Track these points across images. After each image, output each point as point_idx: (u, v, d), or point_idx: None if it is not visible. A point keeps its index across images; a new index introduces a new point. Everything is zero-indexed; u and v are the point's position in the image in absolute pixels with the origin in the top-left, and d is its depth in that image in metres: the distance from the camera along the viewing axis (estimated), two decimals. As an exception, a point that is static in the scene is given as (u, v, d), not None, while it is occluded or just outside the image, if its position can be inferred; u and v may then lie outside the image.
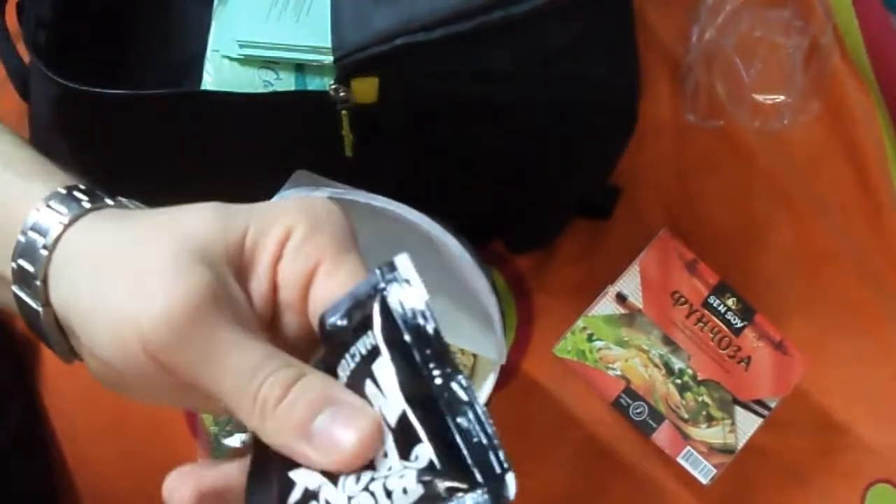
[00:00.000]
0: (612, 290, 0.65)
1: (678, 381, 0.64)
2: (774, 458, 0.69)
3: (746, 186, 0.74)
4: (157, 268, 0.30)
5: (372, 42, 0.48)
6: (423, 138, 0.55)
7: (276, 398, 0.29)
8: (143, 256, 0.31)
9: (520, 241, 0.70)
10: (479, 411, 0.28)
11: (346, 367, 0.31)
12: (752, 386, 0.64)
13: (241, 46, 0.51)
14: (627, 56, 0.55)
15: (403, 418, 0.28)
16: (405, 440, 0.28)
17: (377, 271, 0.31)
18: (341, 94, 0.49)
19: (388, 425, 0.29)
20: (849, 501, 0.69)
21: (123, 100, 0.50)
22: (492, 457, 0.27)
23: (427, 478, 0.27)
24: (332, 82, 0.49)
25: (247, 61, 0.52)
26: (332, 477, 0.29)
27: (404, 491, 0.27)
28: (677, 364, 0.64)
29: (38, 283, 0.32)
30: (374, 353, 0.30)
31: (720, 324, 0.65)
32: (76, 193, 0.33)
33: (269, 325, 0.33)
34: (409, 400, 0.28)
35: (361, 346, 0.30)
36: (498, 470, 0.27)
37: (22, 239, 0.32)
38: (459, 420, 0.28)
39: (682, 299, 0.65)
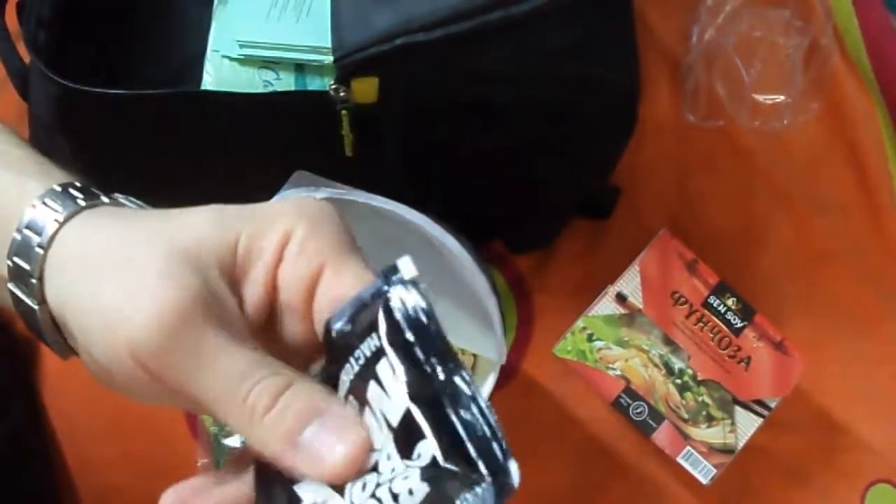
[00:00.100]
0: (612, 290, 0.65)
1: (678, 381, 0.64)
2: (774, 458, 0.69)
3: (746, 186, 0.74)
4: (146, 273, 0.30)
5: (372, 42, 0.48)
6: (423, 138, 0.55)
7: (264, 406, 0.29)
8: (133, 260, 0.31)
9: (520, 241, 0.70)
10: (482, 405, 0.28)
11: (349, 370, 0.31)
12: (752, 386, 0.64)
13: (241, 46, 0.51)
14: (627, 56, 0.55)
15: (407, 416, 0.28)
16: (407, 439, 0.28)
17: (381, 275, 0.31)
18: (341, 94, 0.49)
19: (391, 426, 0.29)
20: (849, 501, 0.69)
21: (123, 100, 0.50)
22: (495, 448, 0.27)
23: (431, 474, 0.27)
24: (332, 82, 0.49)
25: (247, 61, 0.52)
26: (338, 487, 0.29)
27: (410, 492, 0.27)
28: (677, 364, 0.64)
29: (33, 280, 0.32)
30: (378, 354, 0.30)
31: (720, 324, 0.65)
32: (71, 191, 0.33)
33: (262, 330, 0.33)
34: (412, 398, 0.28)
35: (366, 349, 0.30)
36: (501, 460, 0.27)
37: (18, 236, 0.32)
38: (463, 414, 0.28)
39: (682, 299, 0.65)
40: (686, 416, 0.64)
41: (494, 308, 0.54)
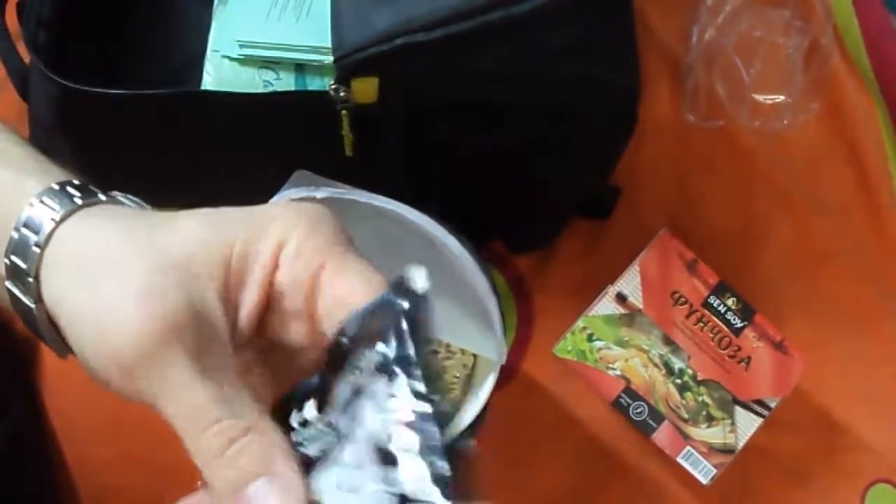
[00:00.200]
0: (612, 290, 0.65)
1: (678, 381, 0.64)
2: (774, 458, 0.69)
3: (746, 186, 0.74)
4: (131, 282, 0.30)
5: (372, 42, 0.48)
6: (423, 138, 0.55)
7: (217, 449, 0.29)
8: (125, 263, 0.30)
9: (520, 241, 0.70)
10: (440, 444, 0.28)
11: (348, 378, 0.31)
12: (752, 386, 0.64)
13: (241, 46, 0.51)
14: (627, 56, 0.55)
15: (393, 438, 0.29)
16: (385, 460, 0.29)
17: (390, 286, 0.31)
18: (341, 94, 0.49)
19: (377, 442, 0.29)
20: (849, 501, 0.69)
21: (123, 100, 0.50)
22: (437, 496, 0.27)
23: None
24: (332, 82, 0.49)
25: (247, 61, 0.52)
26: None
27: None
28: (677, 364, 0.64)
29: (30, 279, 0.32)
30: (381, 368, 0.30)
31: (720, 324, 0.65)
32: (69, 189, 0.33)
33: (259, 335, 0.33)
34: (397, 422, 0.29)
35: (368, 361, 0.30)
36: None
37: (15, 235, 0.32)
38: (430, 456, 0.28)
39: (682, 299, 0.65)
40: (686, 416, 0.64)
41: (494, 308, 0.54)
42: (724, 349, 0.65)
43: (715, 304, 0.65)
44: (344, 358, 0.31)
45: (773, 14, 0.76)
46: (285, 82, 0.52)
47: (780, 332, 0.65)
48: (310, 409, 0.31)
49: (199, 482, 0.31)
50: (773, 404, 0.64)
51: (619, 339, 0.64)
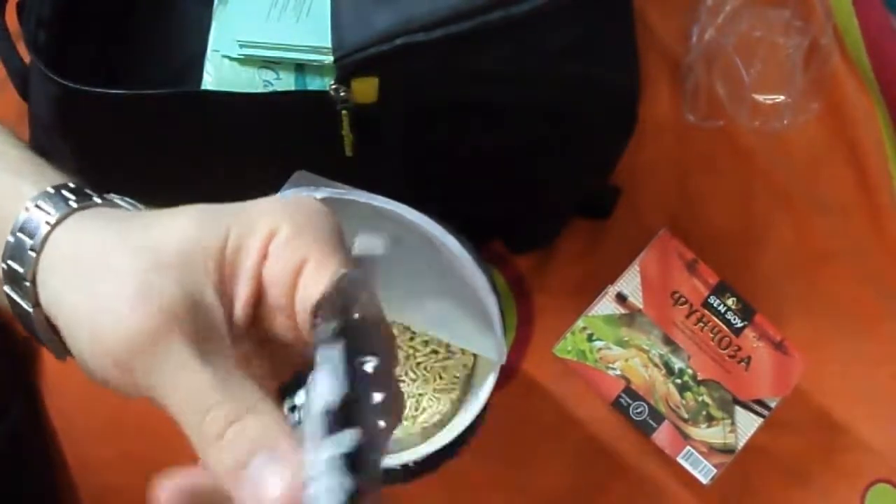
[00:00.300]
0: (612, 290, 0.65)
1: (678, 380, 0.64)
2: (774, 458, 0.69)
3: (746, 186, 0.74)
4: (127, 284, 0.30)
5: (372, 42, 0.48)
6: (423, 138, 0.55)
7: (216, 432, 0.29)
8: (118, 270, 0.31)
9: (520, 241, 0.70)
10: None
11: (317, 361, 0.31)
12: (752, 386, 0.64)
13: (241, 46, 0.51)
14: (627, 56, 0.55)
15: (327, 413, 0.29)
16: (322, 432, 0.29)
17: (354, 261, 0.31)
18: (341, 94, 0.49)
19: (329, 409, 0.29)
20: (849, 501, 0.69)
21: (123, 100, 0.50)
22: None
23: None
24: (332, 82, 0.49)
25: (247, 61, 0.52)
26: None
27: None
28: (677, 364, 0.64)
29: (27, 283, 0.32)
30: (334, 339, 0.30)
31: (720, 324, 0.65)
32: (64, 192, 0.33)
33: (254, 327, 0.33)
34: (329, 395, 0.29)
35: (326, 336, 0.30)
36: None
37: (11, 239, 0.32)
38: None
39: (682, 299, 0.65)
40: (686, 415, 0.64)
41: (494, 308, 0.54)
42: (724, 349, 0.65)
43: (715, 304, 0.65)
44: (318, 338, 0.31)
45: (773, 14, 0.76)
46: (285, 82, 0.52)
47: (780, 332, 0.65)
48: (299, 396, 0.32)
49: (199, 463, 0.31)
50: (773, 404, 0.64)
51: (619, 339, 0.64)
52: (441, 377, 0.61)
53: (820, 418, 0.70)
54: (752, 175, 0.74)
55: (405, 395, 0.56)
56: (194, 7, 0.58)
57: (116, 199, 0.35)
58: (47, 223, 0.32)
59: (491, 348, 0.56)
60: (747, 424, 0.64)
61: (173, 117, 0.52)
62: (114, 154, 0.55)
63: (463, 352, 0.62)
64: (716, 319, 0.65)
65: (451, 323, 0.58)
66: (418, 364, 0.61)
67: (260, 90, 0.52)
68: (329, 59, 0.49)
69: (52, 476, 0.66)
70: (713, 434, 0.63)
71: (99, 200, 0.34)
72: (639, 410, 0.64)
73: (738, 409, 0.64)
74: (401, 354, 0.61)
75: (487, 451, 0.64)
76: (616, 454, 0.68)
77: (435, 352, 0.62)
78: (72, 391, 0.67)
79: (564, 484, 0.68)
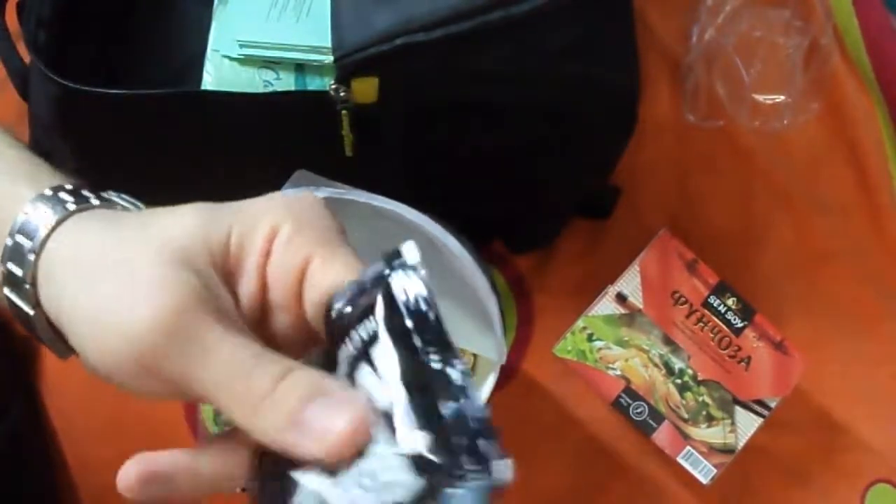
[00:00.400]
0: (612, 290, 0.65)
1: (678, 380, 0.64)
2: (774, 458, 0.69)
3: (746, 186, 0.74)
4: (141, 273, 0.30)
5: (372, 42, 0.48)
6: (423, 138, 0.55)
7: (265, 391, 0.30)
8: (127, 261, 0.31)
9: (520, 241, 0.70)
10: (473, 398, 0.28)
11: (346, 351, 0.31)
12: (752, 386, 0.64)
13: (241, 46, 0.51)
14: (627, 56, 0.55)
15: (398, 404, 0.29)
16: (397, 427, 0.29)
17: (383, 259, 0.31)
18: (341, 94, 0.49)
19: (381, 410, 0.29)
20: (849, 501, 0.69)
21: (123, 100, 0.50)
22: (482, 444, 0.27)
23: (417, 465, 0.27)
24: (332, 82, 0.49)
25: (247, 61, 0.52)
26: (333, 475, 0.29)
27: (396, 483, 0.27)
28: (677, 364, 0.64)
29: (27, 286, 0.32)
30: (374, 338, 0.30)
31: (720, 324, 0.65)
32: (61, 195, 0.33)
33: (258, 324, 0.33)
34: (406, 385, 0.29)
35: (363, 332, 0.30)
36: (489, 456, 0.27)
37: (10, 242, 0.32)
38: (452, 406, 0.28)
39: (682, 299, 0.65)
40: (686, 415, 0.64)
41: (494, 308, 0.54)
42: (724, 349, 0.65)
43: (715, 304, 0.65)
44: (339, 332, 0.31)
45: (773, 14, 0.76)
46: (285, 82, 0.52)
47: (780, 332, 0.65)
48: None
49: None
50: (773, 404, 0.64)
51: (619, 339, 0.64)
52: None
53: (820, 418, 0.70)
54: (752, 175, 0.74)
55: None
56: (194, 7, 0.58)
57: (114, 197, 0.35)
58: (46, 226, 0.32)
59: (491, 348, 0.56)
60: (747, 424, 0.64)
61: (173, 117, 0.52)
62: (114, 154, 0.55)
63: (463, 352, 0.62)
64: (716, 319, 0.65)
65: (450, 323, 0.58)
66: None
67: (260, 90, 0.52)
68: (329, 59, 0.49)
69: (52, 476, 0.66)
70: (713, 434, 0.63)
71: (96, 202, 0.34)
72: (639, 410, 0.64)
73: (738, 409, 0.64)
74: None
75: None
76: (616, 454, 0.68)
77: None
78: (72, 391, 0.67)
79: (564, 484, 0.68)
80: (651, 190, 0.72)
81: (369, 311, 0.30)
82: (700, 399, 0.64)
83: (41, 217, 0.32)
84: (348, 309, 0.31)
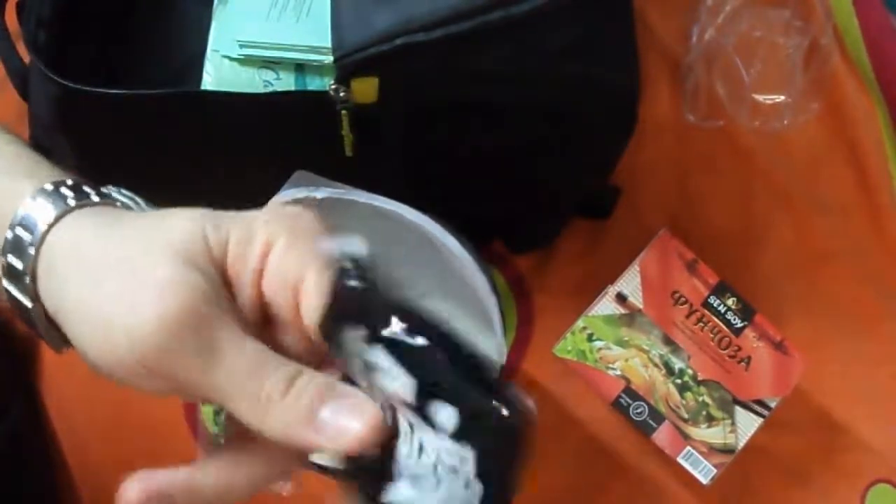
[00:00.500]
0: (612, 290, 0.65)
1: (678, 380, 0.64)
2: (774, 458, 0.69)
3: (746, 186, 0.74)
4: (146, 271, 0.30)
5: (372, 42, 0.48)
6: (423, 138, 0.55)
7: (280, 392, 0.30)
8: (129, 260, 0.31)
9: (520, 241, 0.70)
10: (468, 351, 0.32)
11: (350, 359, 0.32)
12: (752, 386, 0.64)
13: (241, 46, 0.51)
14: (627, 56, 0.55)
15: (422, 391, 0.31)
16: (424, 410, 0.31)
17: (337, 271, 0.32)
18: (341, 94, 0.49)
19: (406, 402, 0.31)
20: (849, 501, 0.69)
21: (123, 100, 0.50)
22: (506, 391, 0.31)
23: (464, 435, 0.30)
24: (332, 82, 0.49)
25: (247, 61, 0.52)
26: (410, 485, 0.31)
27: (462, 460, 0.30)
28: (677, 364, 0.64)
29: (26, 279, 0.32)
30: (371, 340, 0.31)
31: (720, 324, 0.65)
32: (62, 190, 0.33)
33: (262, 339, 0.33)
34: (417, 377, 0.31)
35: (360, 337, 0.31)
36: (507, 395, 0.32)
37: (10, 235, 0.32)
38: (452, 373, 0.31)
39: (682, 299, 0.65)
40: (686, 416, 0.64)
41: (494, 308, 0.54)
42: (724, 349, 0.65)
43: (715, 304, 0.65)
44: (334, 340, 0.32)
45: (773, 14, 0.76)
46: (285, 82, 0.52)
47: (780, 332, 0.65)
48: None
49: (199, 457, 0.32)
50: (773, 404, 0.64)
51: (619, 339, 0.64)
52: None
53: (820, 418, 0.70)
54: (752, 175, 0.74)
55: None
56: (194, 7, 0.58)
57: (114, 192, 0.35)
58: (46, 221, 0.32)
59: (491, 348, 0.56)
60: (747, 424, 0.64)
61: (173, 117, 0.52)
62: (114, 154, 0.55)
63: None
64: (716, 319, 0.65)
65: (451, 323, 0.58)
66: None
67: (260, 90, 0.52)
68: (329, 59, 0.49)
69: (52, 476, 0.66)
70: (713, 434, 0.63)
71: (97, 198, 0.34)
72: (639, 410, 0.64)
73: (738, 409, 0.64)
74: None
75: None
76: (616, 454, 0.68)
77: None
78: (72, 391, 0.67)
79: (564, 484, 0.68)
80: (651, 190, 0.72)
81: (359, 317, 0.31)
82: (700, 399, 0.64)
83: (42, 211, 0.32)
84: (335, 318, 0.32)
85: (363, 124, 0.52)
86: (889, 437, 0.70)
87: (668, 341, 0.64)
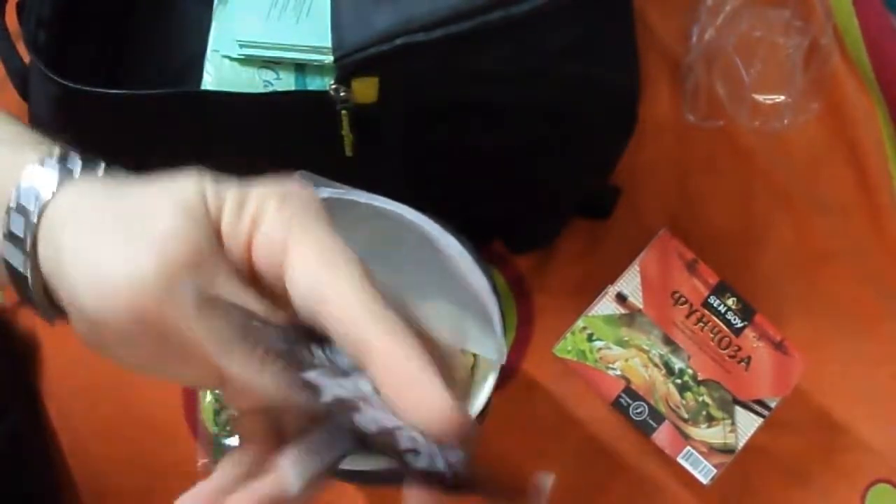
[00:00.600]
0: (612, 290, 0.65)
1: (678, 380, 0.64)
2: (774, 458, 0.69)
3: (746, 186, 0.74)
4: (149, 224, 0.30)
5: (372, 42, 0.48)
6: (423, 138, 0.55)
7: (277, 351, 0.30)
8: (130, 216, 0.31)
9: (520, 241, 0.70)
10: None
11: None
12: (752, 386, 0.64)
13: (241, 46, 0.51)
14: (627, 56, 0.55)
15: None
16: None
17: None
18: (341, 94, 0.49)
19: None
20: (849, 501, 0.69)
21: (123, 100, 0.51)
22: None
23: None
24: (332, 82, 0.49)
25: (247, 61, 0.52)
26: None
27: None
28: (677, 364, 0.64)
29: (27, 245, 0.32)
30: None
31: (720, 324, 0.65)
32: (67, 159, 0.33)
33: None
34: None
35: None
36: None
37: (13, 203, 0.32)
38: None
39: (682, 299, 0.65)
40: (686, 415, 0.64)
41: (494, 308, 0.54)
42: (724, 349, 0.65)
43: (715, 304, 0.65)
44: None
45: (773, 14, 0.76)
46: (285, 82, 0.52)
47: (780, 332, 0.65)
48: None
49: (199, 463, 0.32)
50: (773, 404, 0.64)
51: (619, 339, 0.64)
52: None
53: (820, 418, 0.70)
54: (752, 175, 0.74)
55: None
56: (194, 7, 0.58)
57: (116, 169, 0.36)
58: (49, 188, 0.32)
59: (491, 348, 0.56)
60: (747, 424, 0.64)
61: (173, 117, 0.52)
62: (114, 154, 0.54)
63: (463, 352, 0.62)
64: (716, 319, 0.65)
65: (451, 323, 0.58)
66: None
67: (260, 90, 0.52)
68: (329, 59, 0.49)
69: (52, 476, 0.66)
70: (713, 434, 0.63)
71: (101, 170, 0.34)
72: (639, 410, 0.64)
73: (738, 409, 0.64)
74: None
75: (487, 452, 0.64)
76: (616, 454, 0.68)
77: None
78: (72, 391, 0.67)
79: (564, 484, 0.68)
80: (651, 190, 0.72)
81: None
82: (700, 399, 0.64)
83: (46, 180, 0.32)
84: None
85: (363, 124, 0.52)
86: (889, 437, 0.70)
87: (668, 341, 0.64)
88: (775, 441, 0.68)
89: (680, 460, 0.63)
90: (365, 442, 0.31)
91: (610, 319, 0.64)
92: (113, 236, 0.31)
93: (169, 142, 0.54)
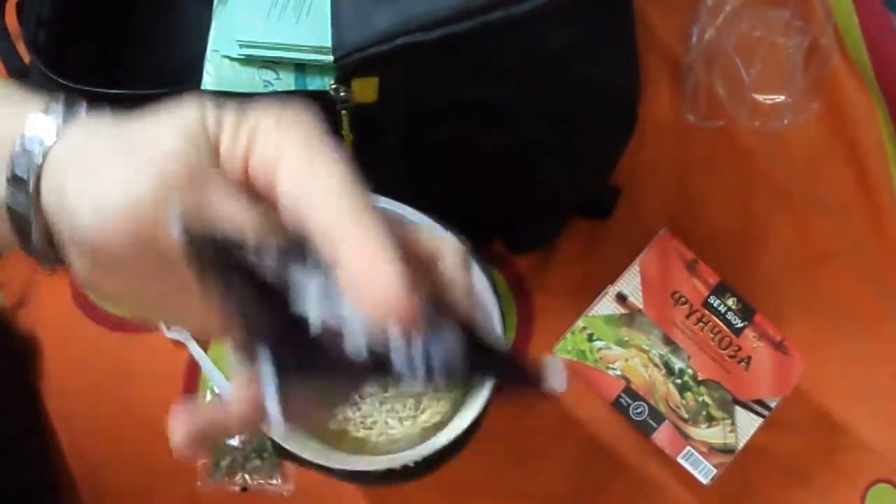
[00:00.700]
0: (612, 290, 0.65)
1: (678, 380, 0.64)
2: (774, 458, 0.69)
3: (746, 186, 0.74)
4: (149, 146, 0.31)
5: (372, 42, 0.48)
6: (423, 138, 0.55)
7: None
8: (131, 143, 0.32)
9: (520, 241, 0.70)
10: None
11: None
12: (752, 386, 0.64)
13: (241, 46, 0.51)
14: (627, 56, 0.55)
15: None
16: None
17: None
18: (341, 93, 0.49)
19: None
20: (849, 501, 0.69)
21: (123, 100, 0.50)
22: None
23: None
24: (332, 82, 0.49)
25: (247, 61, 0.52)
26: None
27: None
28: (677, 364, 0.64)
29: (30, 188, 0.32)
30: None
31: (720, 324, 0.65)
32: (74, 107, 0.34)
33: None
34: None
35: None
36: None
37: (17, 148, 0.33)
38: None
39: (682, 299, 0.65)
40: (686, 415, 0.64)
41: (494, 308, 0.54)
42: (725, 349, 0.65)
43: (715, 304, 0.65)
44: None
45: (773, 14, 0.76)
46: (285, 82, 0.52)
47: (780, 332, 0.65)
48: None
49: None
50: (773, 404, 0.64)
51: (619, 339, 0.64)
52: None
53: (820, 418, 0.70)
54: (752, 175, 0.74)
55: (405, 396, 0.56)
56: (194, 7, 0.58)
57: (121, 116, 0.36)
58: (54, 129, 0.33)
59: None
60: (747, 424, 0.64)
61: (173, 117, 0.52)
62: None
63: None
64: (716, 319, 0.65)
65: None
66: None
67: (260, 90, 0.52)
68: (329, 59, 0.49)
69: (51, 476, 0.66)
70: (713, 434, 0.63)
71: (106, 115, 0.35)
72: (639, 410, 0.64)
73: (738, 409, 0.64)
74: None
75: (487, 452, 0.64)
76: (616, 454, 0.68)
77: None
78: (72, 391, 0.67)
79: (565, 484, 0.68)
80: (651, 190, 0.72)
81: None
82: (700, 399, 0.64)
83: (49, 125, 0.33)
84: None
85: (363, 124, 0.52)
86: (889, 437, 0.70)
87: (668, 341, 0.64)
88: (775, 441, 0.68)
89: (680, 460, 0.63)
90: (353, 368, 0.31)
91: (610, 319, 0.64)
92: (115, 168, 0.31)
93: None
